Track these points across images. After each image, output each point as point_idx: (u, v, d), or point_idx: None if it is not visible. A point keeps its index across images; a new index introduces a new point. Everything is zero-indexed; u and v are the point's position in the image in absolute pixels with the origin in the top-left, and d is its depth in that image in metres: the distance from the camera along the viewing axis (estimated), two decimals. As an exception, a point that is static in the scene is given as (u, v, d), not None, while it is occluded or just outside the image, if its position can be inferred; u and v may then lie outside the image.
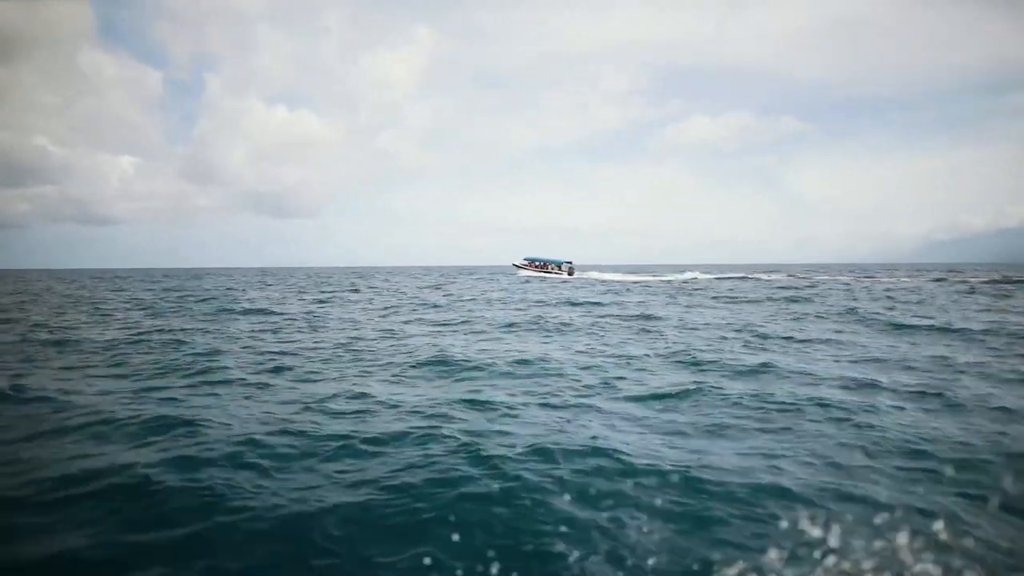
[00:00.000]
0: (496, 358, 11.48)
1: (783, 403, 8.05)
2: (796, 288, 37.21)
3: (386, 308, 24.20)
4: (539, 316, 19.90)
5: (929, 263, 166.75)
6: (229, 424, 6.91)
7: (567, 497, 4.72)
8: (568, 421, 7.21)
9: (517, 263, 66.30)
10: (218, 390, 9.03)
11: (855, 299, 27.57)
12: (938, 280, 46.21)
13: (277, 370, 10.64)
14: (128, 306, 24.70)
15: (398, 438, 6.30)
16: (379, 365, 11.12)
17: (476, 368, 10.61)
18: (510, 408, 7.77)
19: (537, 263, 64.69)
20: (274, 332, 16.24)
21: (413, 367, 10.87)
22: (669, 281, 54.91)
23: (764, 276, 58.25)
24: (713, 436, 6.72)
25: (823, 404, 7.93)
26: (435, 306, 25.14)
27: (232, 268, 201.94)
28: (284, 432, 6.53)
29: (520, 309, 22.87)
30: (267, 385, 9.33)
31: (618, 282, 51.19)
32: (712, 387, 9.01)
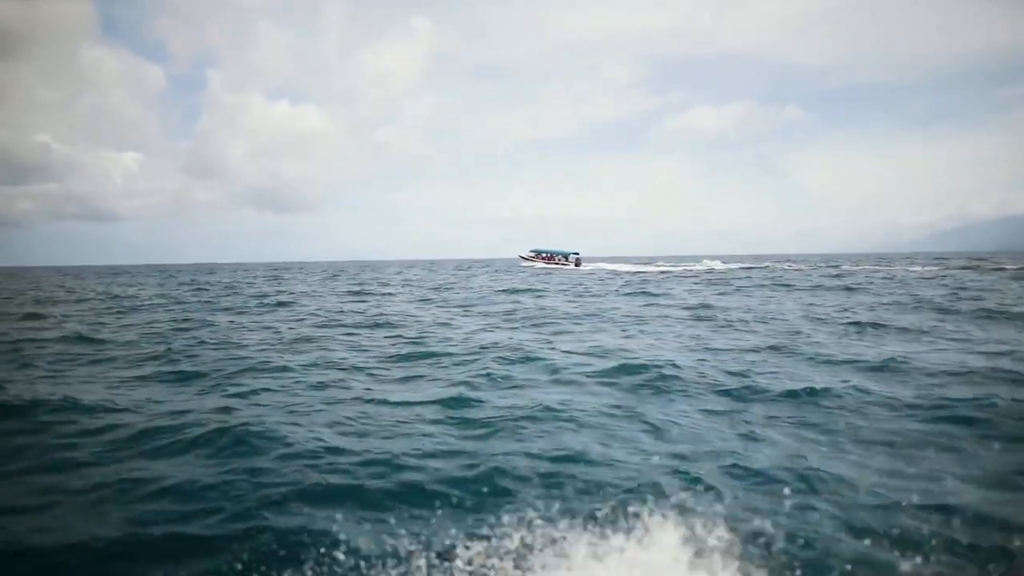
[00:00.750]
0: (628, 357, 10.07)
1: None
2: (840, 277, 35.77)
3: (446, 303, 22.81)
4: (600, 308, 18.54)
5: (938, 252, 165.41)
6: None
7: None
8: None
9: (523, 255, 65.51)
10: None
11: (908, 287, 26.25)
12: (966, 268, 44.91)
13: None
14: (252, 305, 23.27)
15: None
16: (567, 375, 9.14)
17: (669, 377, 8.63)
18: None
19: (544, 254, 63.85)
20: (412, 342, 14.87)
21: (594, 376, 8.99)
22: (690, 269, 53.66)
23: (786, 265, 56.90)
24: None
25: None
26: (489, 302, 23.77)
27: (237, 264, 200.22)
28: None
29: (571, 300, 21.44)
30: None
31: (635, 273, 49.88)
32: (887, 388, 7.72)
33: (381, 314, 17.84)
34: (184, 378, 9.13)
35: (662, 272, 50.07)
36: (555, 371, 9.35)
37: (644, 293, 24.56)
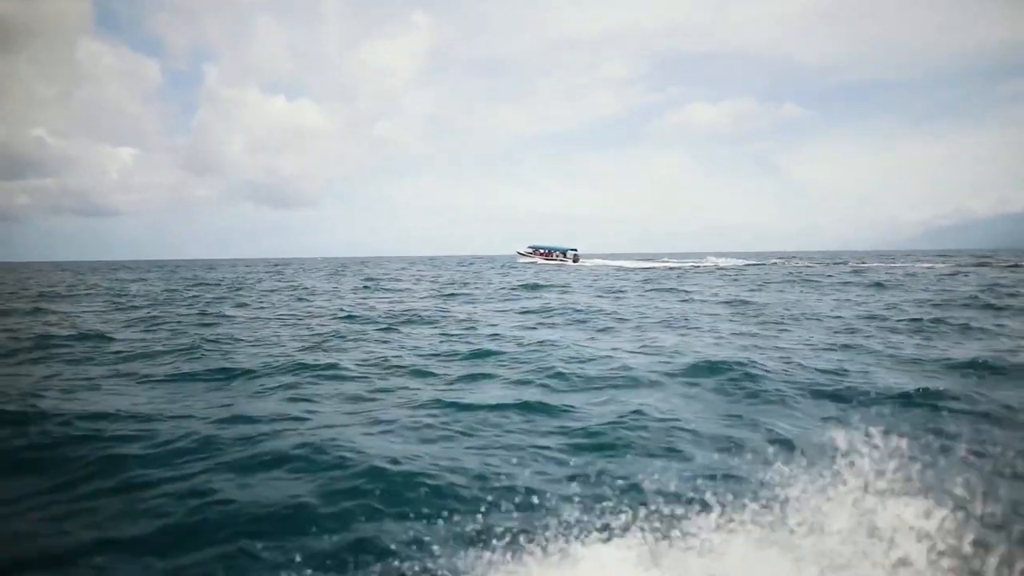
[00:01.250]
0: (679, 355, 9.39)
1: None
2: (859, 273, 35.01)
3: (472, 298, 21.98)
4: (636, 305, 17.78)
5: (937, 249, 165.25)
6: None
7: None
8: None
9: (521, 251, 64.64)
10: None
11: (936, 284, 25.61)
12: (979, 265, 44.35)
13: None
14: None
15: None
16: (644, 375, 8.25)
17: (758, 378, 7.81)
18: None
19: (542, 250, 63.08)
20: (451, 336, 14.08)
21: (674, 376, 8.17)
22: (698, 266, 52.98)
23: (795, 262, 56.22)
24: None
25: None
26: (514, 298, 22.98)
27: (235, 259, 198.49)
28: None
29: (600, 296, 20.67)
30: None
31: (644, 268, 49.13)
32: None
33: (409, 309, 17.09)
34: (229, 376, 8.36)
35: (670, 268, 49.39)
36: (628, 370, 8.60)
37: (671, 290, 23.84)
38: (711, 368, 8.47)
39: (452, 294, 23.28)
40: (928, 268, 40.69)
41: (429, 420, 6.12)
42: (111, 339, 11.86)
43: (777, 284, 27.05)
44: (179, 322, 14.56)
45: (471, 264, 70.98)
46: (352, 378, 8.20)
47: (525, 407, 6.54)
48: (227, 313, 16.46)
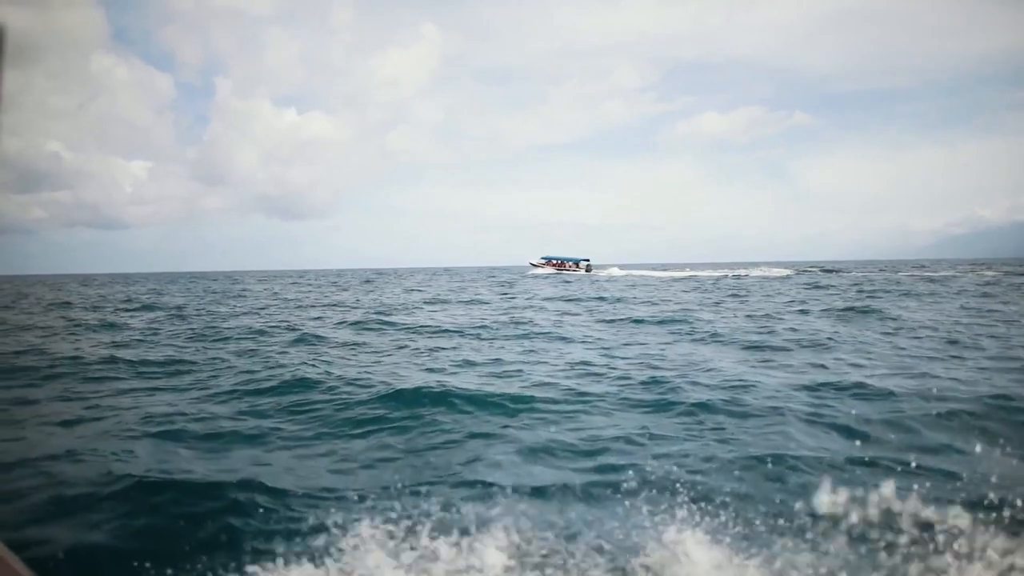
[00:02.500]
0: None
1: None
2: (942, 283, 32.69)
3: (573, 313, 20.14)
4: (774, 323, 15.82)
5: (952, 258, 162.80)
6: None
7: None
8: None
9: (534, 261, 63.69)
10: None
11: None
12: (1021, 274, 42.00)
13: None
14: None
15: None
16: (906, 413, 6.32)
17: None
18: None
19: (555, 261, 62.26)
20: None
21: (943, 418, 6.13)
22: (740, 276, 50.89)
23: (855, 273, 53.60)
24: None
25: None
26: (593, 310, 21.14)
27: (246, 271, 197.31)
28: None
29: (726, 317, 18.54)
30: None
31: (686, 278, 47.24)
32: None
33: (523, 320, 15.67)
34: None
35: (728, 276, 47.63)
36: (896, 410, 6.65)
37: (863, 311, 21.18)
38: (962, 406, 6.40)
39: (540, 307, 21.40)
40: (989, 276, 38.59)
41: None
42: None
43: (885, 294, 24.86)
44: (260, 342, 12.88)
45: (492, 276, 68.63)
46: (563, 413, 6.40)
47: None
48: (321, 334, 14.59)
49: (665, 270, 72.02)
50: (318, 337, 12.74)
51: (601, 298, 25.16)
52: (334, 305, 22.42)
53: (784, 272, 54.21)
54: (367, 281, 51.92)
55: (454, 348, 11.49)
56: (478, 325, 14.80)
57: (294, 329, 13.92)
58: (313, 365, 9.20)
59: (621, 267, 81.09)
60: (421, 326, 14.76)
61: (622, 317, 16.78)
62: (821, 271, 57.95)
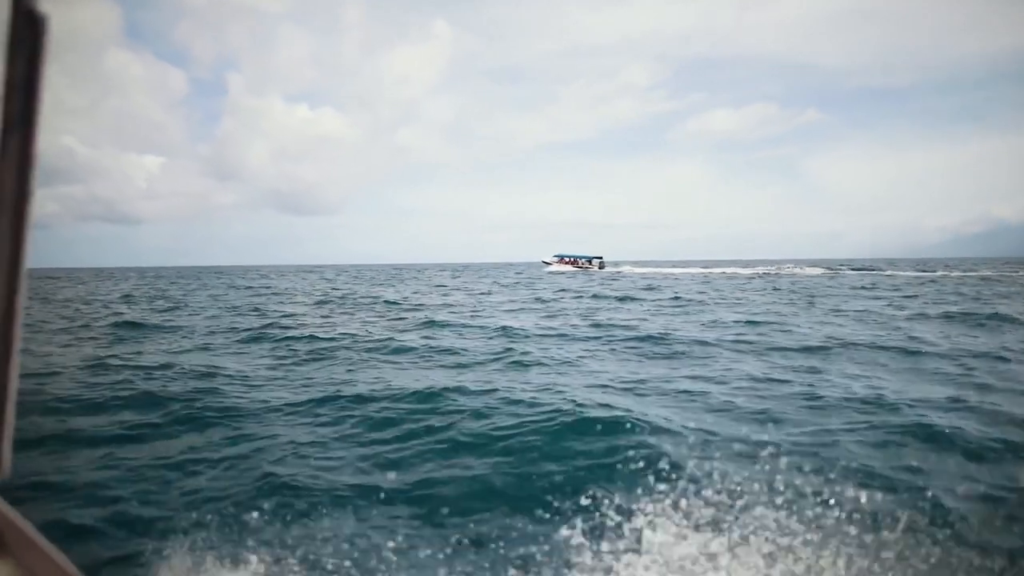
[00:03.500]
0: None
1: None
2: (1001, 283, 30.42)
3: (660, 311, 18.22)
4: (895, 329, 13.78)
5: (974, 256, 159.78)
6: None
7: None
8: None
9: (547, 260, 63.36)
10: None
11: None
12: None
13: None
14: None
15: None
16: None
17: None
18: None
19: (568, 259, 61.86)
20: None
21: None
22: (774, 272, 48.77)
23: (888, 273, 51.21)
24: None
25: None
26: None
27: (259, 266, 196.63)
28: None
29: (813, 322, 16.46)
30: None
31: (717, 275, 45.17)
32: None
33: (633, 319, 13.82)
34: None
35: (756, 274, 45.45)
36: None
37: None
38: None
39: (625, 304, 19.47)
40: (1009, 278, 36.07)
41: None
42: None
43: (957, 297, 22.76)
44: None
45: (521, 272, 66.67)
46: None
47: None
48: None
49: (683, 267, 70.27)
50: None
51: (677, 298, 22.88)
52: (520, 310, 19.03)
53: (818, 271, 51.89)
54: (455, 276, 50.78)
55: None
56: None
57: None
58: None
59: (633, 264, 79.69)
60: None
61: (728, 322, 14.72)
62: (851, 270, 55.38)
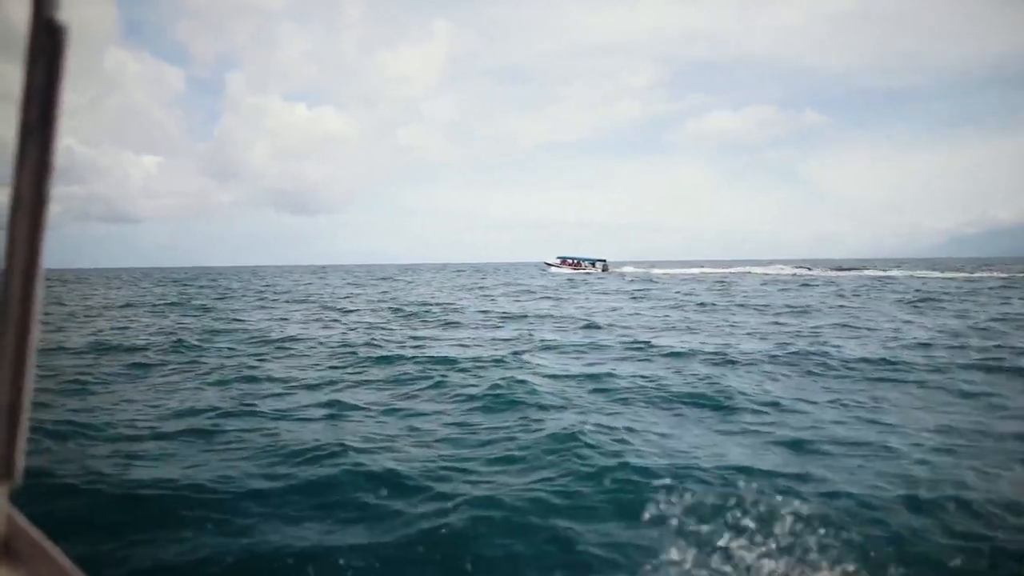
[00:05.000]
0: None
1: None
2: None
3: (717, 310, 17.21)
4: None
5: (970, 258, 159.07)
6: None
7: None
8: None
9: (549, 261, 62.24)
10: None
11: None
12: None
13: None
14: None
15: None
16: None
17: None
18: None
19: (570, 260, 60.91)
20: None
21: None
22: (772, 274, 47.93)
23: (892, 272, 50.55)
24: None
25: None
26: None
27: (267, 266, 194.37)
28: None
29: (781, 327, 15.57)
30: None
31: (727, 275, 44.50)
32: None
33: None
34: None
35: (793, 275, 44.60)
36: None
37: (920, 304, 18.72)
38: None
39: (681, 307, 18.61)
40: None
41: None
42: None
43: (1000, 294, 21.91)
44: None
45: (522, 273, 65.54)
46: None
47: None
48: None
49: (687, 267, 69.26)
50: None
51: (739, 304, 21.61)
52: (670, 328, 14.76)
53: (844, 273, 50.99)
54: (483, 273, 48.75)
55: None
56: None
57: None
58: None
59: (635, 264, 78.74)
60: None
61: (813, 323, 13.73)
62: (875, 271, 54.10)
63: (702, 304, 21.25)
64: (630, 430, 5.92)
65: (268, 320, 16.78)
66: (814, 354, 10.08)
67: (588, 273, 56.71)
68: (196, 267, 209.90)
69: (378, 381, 8.27)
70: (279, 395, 7.49)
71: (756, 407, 6.84)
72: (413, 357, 9.80)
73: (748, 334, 12.98)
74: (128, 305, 22.68)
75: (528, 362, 9.42)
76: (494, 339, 12.24)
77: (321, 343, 11.82)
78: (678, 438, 5.80)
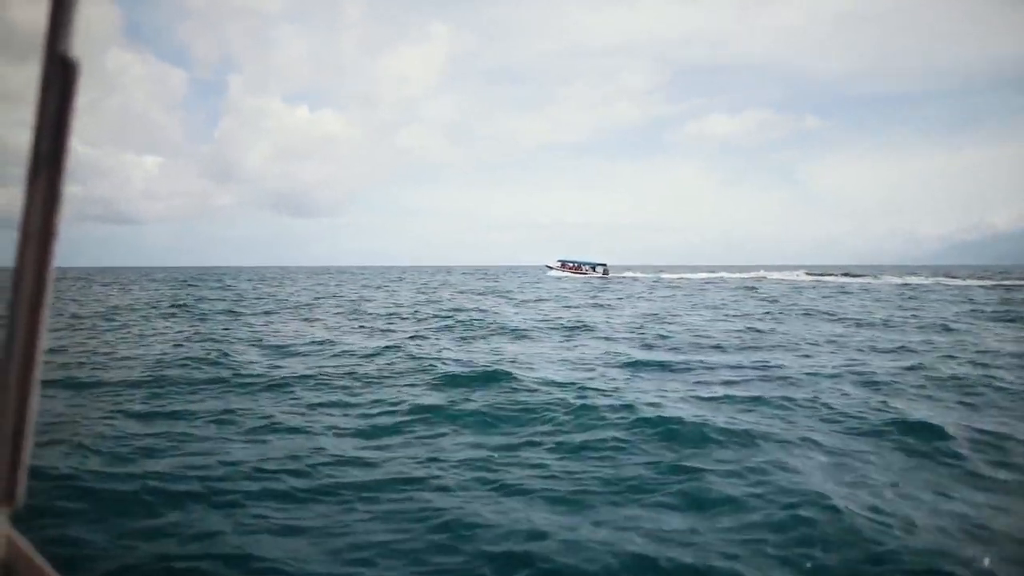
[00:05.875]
0: None
1: None
2: None
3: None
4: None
5: (972, 265, 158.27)
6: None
7: None
8: None
9: (550, 264, 61.10)
10: None
11: None
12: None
13: None
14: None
15: None
16: None
17: None
18: None
19: (571, 264, 59.68)
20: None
21: None
22: (785, 280, 46.39)
23: (905, 279, 49.19)
24: None
25: None
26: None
27: (264, 267, 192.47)
28: None
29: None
30: None
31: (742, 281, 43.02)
32: None
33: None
34: None
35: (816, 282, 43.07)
36: None
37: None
38: None
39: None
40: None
41: None
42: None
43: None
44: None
45: (528, 276, 64.10)
46: None
47: None
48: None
49: (693, 271, 67.72)
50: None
51: (805, 312, 20.48)
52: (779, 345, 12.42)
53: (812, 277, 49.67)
54: (550, 292, 47.03)
55: None
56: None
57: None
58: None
59: (640, 270, 77.12)
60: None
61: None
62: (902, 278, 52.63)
63: (768, 313, 19.68)
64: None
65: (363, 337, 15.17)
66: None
67: (592, 277, 55.56)
68: (198, 267, 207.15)
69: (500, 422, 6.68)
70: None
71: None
72: (514, 376, 8.23)
73: (879, 350, 11.41)
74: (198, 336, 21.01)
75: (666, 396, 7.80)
76: (582, 358, 10.64)
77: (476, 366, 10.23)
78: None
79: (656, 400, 7.03)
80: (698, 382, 8.51)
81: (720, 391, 7.78)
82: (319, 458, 5.20)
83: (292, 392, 7.82)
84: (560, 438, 5.82)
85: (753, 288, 36.74)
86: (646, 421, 6.10)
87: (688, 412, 6.43)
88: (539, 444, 5.69)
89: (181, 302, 23.87)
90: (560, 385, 7.82)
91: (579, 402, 6.86)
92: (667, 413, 6.32)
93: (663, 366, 9.60)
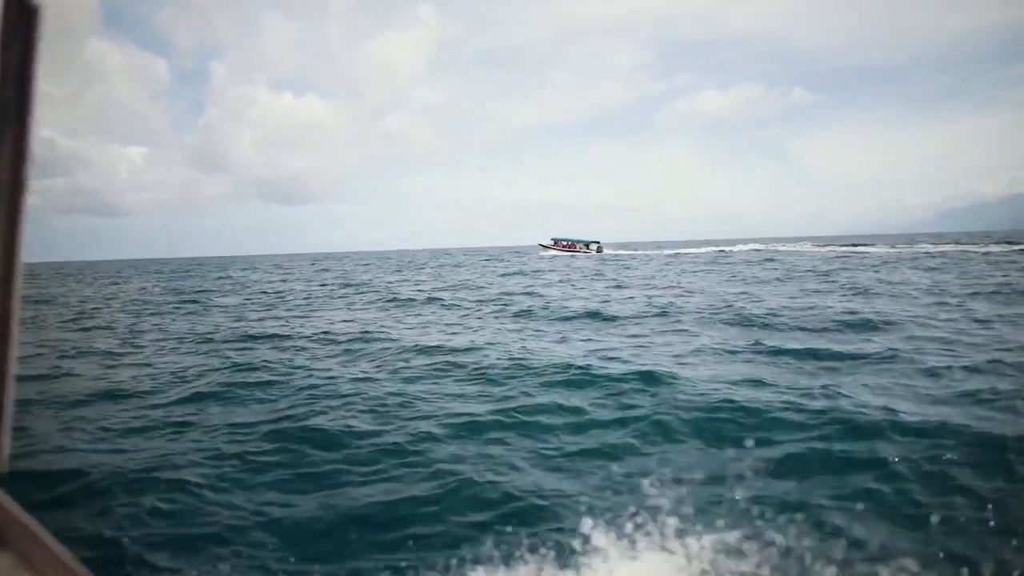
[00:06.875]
0: None
1: None
2: None
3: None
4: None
5: (961, 231, 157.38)
6: None
7: None
8: None
9: (544, 243, 60.98)
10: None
11: None
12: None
13: None
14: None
15: None
16: None
17: None
18: None
19: (564, 243, 59.39)
20: None
21: None
22: (783, 250, 44.93)
23: (898, 247, 47.22)
24: None
25: None
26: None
27: (254, 256, 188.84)
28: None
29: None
30: None
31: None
32: None
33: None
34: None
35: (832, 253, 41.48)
36: None
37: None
38: None
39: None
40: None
41: None
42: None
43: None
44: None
45: (523, 256, 62.13)
46: None
47: None
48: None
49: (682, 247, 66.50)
50: None
51: (847, 286, 18.77)
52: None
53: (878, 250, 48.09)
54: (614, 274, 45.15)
55: None
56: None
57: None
58: None
59: (626, 248, 76.26)
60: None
61: None
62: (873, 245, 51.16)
63: (827, 283, 18.00)
64: None
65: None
66: None
67: (586, 254, 55.42)
68: (187, 258, 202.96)
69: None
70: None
71: None
72: (675, 376, 6.61)
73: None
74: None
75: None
76: (723, 348, 8.92)
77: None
78: None
79: (912, 407, 5.41)
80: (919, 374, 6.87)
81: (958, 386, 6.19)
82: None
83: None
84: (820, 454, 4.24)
85: (772, 260, 35.08)
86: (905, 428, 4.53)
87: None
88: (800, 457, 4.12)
89: (194, 299, 21.92)
90: (751, 385, 6.21)
91: (822, 406, 5.25)
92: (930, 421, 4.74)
93: (836, 356, 7.92)
